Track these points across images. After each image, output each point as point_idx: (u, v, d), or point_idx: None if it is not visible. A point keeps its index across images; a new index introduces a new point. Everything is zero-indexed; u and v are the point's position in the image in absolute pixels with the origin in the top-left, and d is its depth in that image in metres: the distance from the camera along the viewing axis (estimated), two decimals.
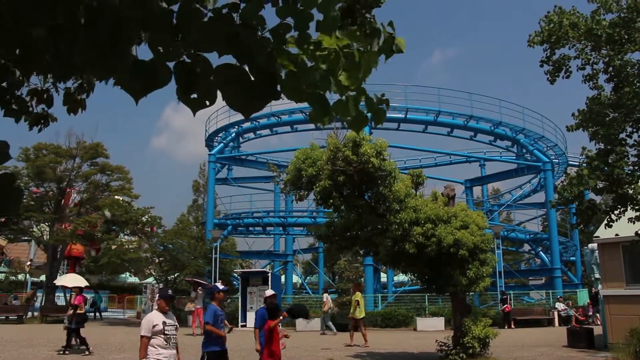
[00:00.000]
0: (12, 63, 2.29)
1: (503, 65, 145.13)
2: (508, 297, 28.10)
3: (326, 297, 25.71)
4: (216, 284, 9.27)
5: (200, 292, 25.53)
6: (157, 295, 7.63)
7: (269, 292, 9.87)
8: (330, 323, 24.66)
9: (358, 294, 20.19)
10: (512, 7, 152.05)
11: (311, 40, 2.24)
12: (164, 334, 6.88)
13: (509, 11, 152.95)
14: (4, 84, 3.00)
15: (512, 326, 26.22)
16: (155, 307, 7.39)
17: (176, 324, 7.23)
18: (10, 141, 2.17)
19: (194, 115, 2.13)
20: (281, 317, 10.08)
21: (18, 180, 32.05)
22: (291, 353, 16.47)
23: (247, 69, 2.05)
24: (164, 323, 6.93)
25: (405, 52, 2.62)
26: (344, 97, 2.35)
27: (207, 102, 2.07)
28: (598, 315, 26.81)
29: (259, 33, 2.10)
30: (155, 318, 6.96)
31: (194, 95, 2.05)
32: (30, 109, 3.62)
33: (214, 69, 2.03)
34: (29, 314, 31.75)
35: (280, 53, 2.16)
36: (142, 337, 6.84)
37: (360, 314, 19.61)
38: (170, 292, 7.45)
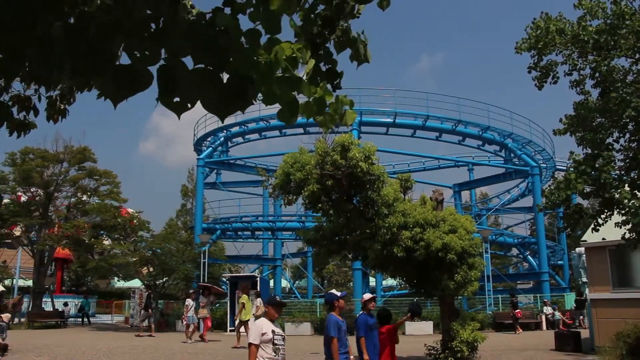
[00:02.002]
0: None
1: (490, 70, 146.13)
2: (517, 300, 28.03)
3: (259, 301, 26.08)
4: (331, 291, 8.19)
5: (212, 298, 24.47)
6: (266, 301, 6.87)
7: (368, 295, 8.81)
8: None
9: (244, 296, 21.10)
10: (500, 13, 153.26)
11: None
12: (274, 344, 6.35)
13: (496, 16, 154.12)
14: None
15: (520, 330, 25.96)
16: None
17: (284, 334, 6.66)
18: None
19: (179, 118, 2.15)
20: (405, 318, 9.90)
21: (4, 185, 31.83)
22: None
23: (222, 72, 2.08)
24: (274, 332, 6.38)
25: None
26: (310, 99, 2.41)
27: (189, 105, 2.09)
28: (581, 317, 27.00)
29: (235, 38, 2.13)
30: (265, 325, 6.40)
31: (177, 99, 2.07)
32: (13, 115, 3.59)
33: (190, 72, 2.05)
34: (16, 319, 31.44)
35: (252, 56, 2.20)
36: (251, 344, 6.29)
37: (245, 316, 20.42)
38: (278, 298, 6.86)
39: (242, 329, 20.23)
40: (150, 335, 24.66)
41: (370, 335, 8.17)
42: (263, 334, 6.28)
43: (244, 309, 20.61)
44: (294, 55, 2.27)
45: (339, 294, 7.90)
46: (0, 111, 2.59)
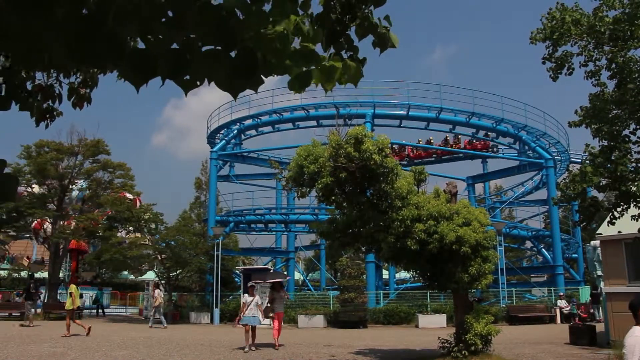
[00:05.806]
0: (16, 59, 2.29)
1: (504, 62, 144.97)
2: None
3: (157, 292, 26.58)
4: None
5: (284, 294, 19.51)
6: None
7: None
8: (162, 317, 26.01)
9: (72, 286, 21.38)
10: (513, 4, 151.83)
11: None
12: None
13: (509, 8, 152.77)
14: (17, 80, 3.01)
15: None
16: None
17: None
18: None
19: (186, 95, 2.20)
20: None
21: (19, 177, 32.15)
22: (293, 349, 16.48)
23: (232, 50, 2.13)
24: None
25: (402, 47, 2.71)
26: (319, 67, 2.46)
27: (198, 82, 2.15)
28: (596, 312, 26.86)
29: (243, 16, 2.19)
30: None
31: (186, 77, 2.12)
32: (37, 104, 3.62)
33: (202, 53, 2.09)
34: (32, 310, 31.80)
35: (261, 33, 2.24)
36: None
37: (70, 305, 20.52)
38: None
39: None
40: (29, 325, 25.26)
41: None
42: None
43: (71, 298, 20.66)
44: (301, 27, 2.28)
45: None
46: (25, 99, 2.60)
